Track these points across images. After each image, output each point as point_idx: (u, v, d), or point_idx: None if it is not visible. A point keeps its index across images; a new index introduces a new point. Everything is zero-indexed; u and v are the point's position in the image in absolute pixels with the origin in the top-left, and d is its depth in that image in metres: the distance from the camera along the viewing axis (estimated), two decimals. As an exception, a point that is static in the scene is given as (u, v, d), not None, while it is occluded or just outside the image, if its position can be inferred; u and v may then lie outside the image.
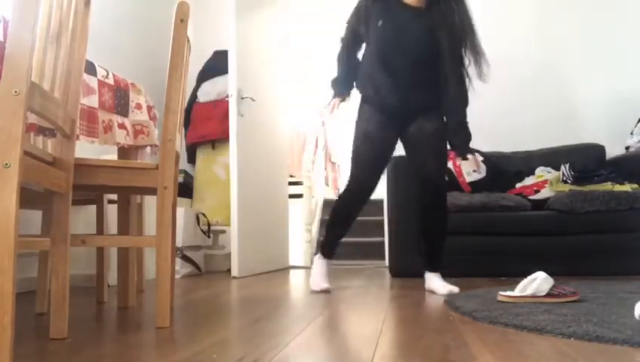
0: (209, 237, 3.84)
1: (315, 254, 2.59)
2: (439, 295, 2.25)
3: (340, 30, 2.62)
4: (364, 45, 2.53)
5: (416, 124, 2.42)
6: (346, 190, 2.47)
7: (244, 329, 1.50)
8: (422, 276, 2.97)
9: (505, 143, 3.80)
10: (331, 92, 2.59)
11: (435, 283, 2.36)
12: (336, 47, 2.60)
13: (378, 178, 2.47)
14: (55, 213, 1.45)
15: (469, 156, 2.47)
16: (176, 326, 1.56)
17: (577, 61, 3.89)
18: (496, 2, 4.01)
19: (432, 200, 2.42)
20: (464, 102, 2.50)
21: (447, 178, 3.31)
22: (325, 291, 2.41)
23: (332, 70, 2.62)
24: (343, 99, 2.56)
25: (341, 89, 2.55)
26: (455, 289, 2.28)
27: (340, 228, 2.51)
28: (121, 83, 2.10)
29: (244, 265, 3.33)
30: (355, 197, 2.45)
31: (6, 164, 1.06)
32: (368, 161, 2.42)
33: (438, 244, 2.46)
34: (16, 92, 1.09)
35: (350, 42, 2.54)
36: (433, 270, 2.43)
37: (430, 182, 2.40)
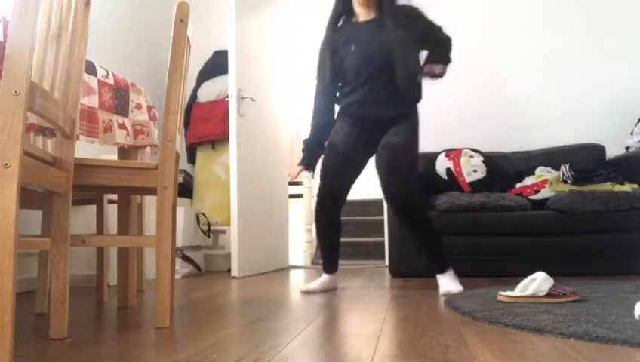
0: (209, 237, 3.84)
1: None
2: (441, 295, 2.26)
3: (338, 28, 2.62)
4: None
5: (385, 137, 2.43)
6: (317, 203, 2.54)
7: (244, 329, 1.50)
8: (422, 276, 2.98)
9: (505, 143, 3.80)
10: (302, 156, 2.59)
11: (441, 283, 2.37)
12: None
13: (347, 188, 2.54)
14: (55, 213, 1.45)
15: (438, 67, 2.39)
16: (176, 326, 1.56)
17: (577, 61, 3.89)
18: (498, 3, 4.01)
19: (401, 215, 2.42)
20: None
21: (445, 178, 3.34)
22: (310, 292, 2.43)
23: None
24: (308, 170, 2.59)
25: (309, 159, 2.57)
26: (455, 289, 2.28)
27: (328, 241, 2.55)
28: (121, 83, 2.10)
29: (244, 265, 3.33)
30: (325, 210, 2.51)
31: (6, 164, 1.06)
32: (334, 172, 2.48)
33: (430, 251, 2.44)
34: (16, 92, 1.09)
35: (327, 88, 2.55)
36: (439, 272, 2.43)
37: (391, 197, 2.41)
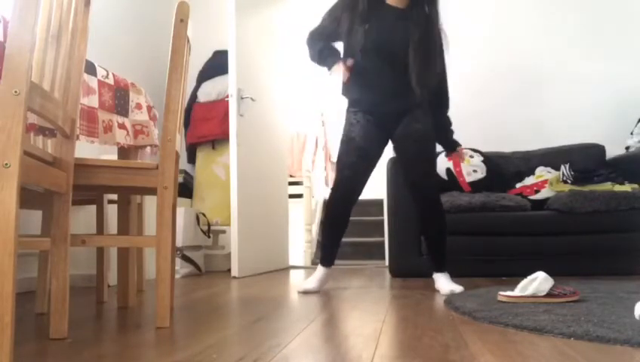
0: (209, 237, 3.84)
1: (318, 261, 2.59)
2: (442, 294, 2.26)
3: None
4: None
5: (403, 124, 2.41)
6: (331, 194, 2.50)
7: (244, 329, 1.50)
8: (422, 276, 2.98)
9: (505, 143, 3.80)
10: (324, 66, 2.46)
11: (440, 283, 2.38)
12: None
13: (363, 182, 2.49)
14: (55, 213, 1.45)
15: (461, 150, 2.54)
16: (176, 326, 1.56)
17: (577, 61, 3.89)
18: (498, 3, 4.01)
19: (423, 204, 2.42)
20: (447, 99, 2.53)
21: (445, 178, 3.34)
22: (308, 292, 2.42)
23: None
24: (345, 62, 2.40)
25: (333, 59, 2.43)
26: (457, 288, 2.29)
27: (334, 232, 2.53)
28: (121, 83, 2.10)
29: (244, 265, 3.33)
30: (339, 201, 2.48)
31: (6, 164, 1.06)
32: (352, 164, 2.43)
33: (437, 246, 2.46)
34: (16, 92, 1.09)
35: (326, 32, 2.47)
36: (438, 270, 2.44)
37: (419, 185, 2.41)
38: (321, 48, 2.49)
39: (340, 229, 2.53)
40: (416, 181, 2.41)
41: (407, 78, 2.34)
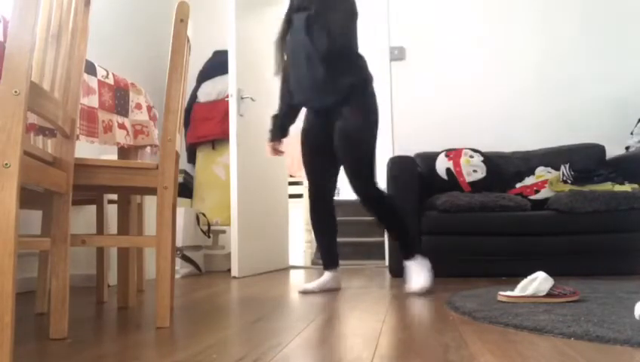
0: (209, 237, 3.84)
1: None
2: (411, 291, 2.27)
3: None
4: None
5: (339, 118, 2.39)
6: (309, 200, 2.57)
7: (244, 329, 1.50)
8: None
9: (505, 143, 3.80)
10: (271, 132, 2.62)
11: (410, 272, 2.36)
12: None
13: (329, 180, 2.54)
14: (55, 213, 1.45)
15: None
16: (176, 326, 1.56)
17: (577, 61, 3.89)
18: (498, 3, 4.01)
19: (363, 204, 2.41)
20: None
21: (445, 178, 3.34)
22: (306, 292, 2.42)
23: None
24: (279, 139, 2.60)
25: (276, 134, 2.59)
26: (423, 282, 2.26)
27: (323, 236, 2.55)
28: (121, 83, 2.10)
29: (244, 265, 3.33)
30: (314, 203, 2.54)
31: (6, 164, 1.06)
32: (310, 163, 2.52)
33: (395, 232, 2.42)
34: (16, 92, 1.09)
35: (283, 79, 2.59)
36: (406, 258, 2.41)
37: (350, 184, 2.40)
38: (283, 114, 2.60)
39: (327, 231, 2.54)
40: (348, 173, 2.38)
41: (317, 76, 2.37)
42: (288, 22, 2.51)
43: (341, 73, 2.37)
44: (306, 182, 4.60)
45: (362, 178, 2.36)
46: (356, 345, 1.27)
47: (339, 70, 2.37)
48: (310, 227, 4.46)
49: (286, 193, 4.20)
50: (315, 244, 4.58)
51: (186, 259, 3.49)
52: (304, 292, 2.41)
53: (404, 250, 2.41)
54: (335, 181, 2.57)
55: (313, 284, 2.47)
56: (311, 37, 2.35)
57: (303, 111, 2.63)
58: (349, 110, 2.36)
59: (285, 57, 2.52)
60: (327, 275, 2.52)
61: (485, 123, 3.93)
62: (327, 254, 2.55)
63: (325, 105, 2.42)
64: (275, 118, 2.62)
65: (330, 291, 2.47)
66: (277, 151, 2.62)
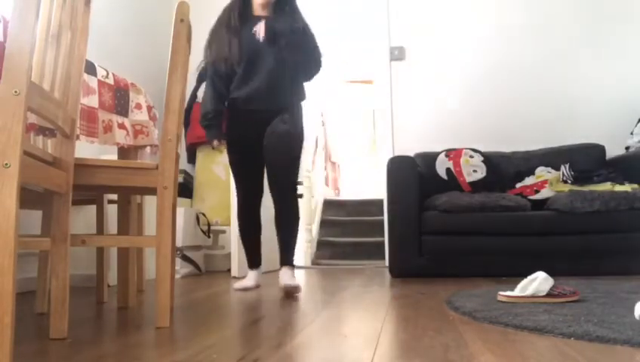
0: (209, 237, 3.84)
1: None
2: (283, 286, 2.34)
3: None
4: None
5: (270, 126, 2.53)
6: (238, 204, 2.67)
7: (244, 329, 1.50)
8: (422, 276, 2.98)
9: (505, 143, 3.80)
10: (206, 131, 2.66)
11: (287, 276, 2.44)
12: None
13: (259, 184, 2.64)
14: (55, 213, 1.45)
15: None
16: (176, 326, 1.56)
17: (577, 61, 3.89)
18: (497, 3, 4.02)
19: (283, 203, 2.53)
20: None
21: (445, 178, 3.34)
22: (247, 289, 2.56)
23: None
24: (219, 140, 2.62)
25: (215, 133, 2.62)
26: (295, 283, 2.35)
27: (250, 238, 2.67)
28: (121, 83, 2.10)
29: (244, 265, 3.32)
30: (247, 208, 2.64)
31: (6, 164, 1.06)
32: (242, 171, 2.62)
33: (292, 241, 2.58)
34: (16, 92, 1.09)
35: (220, 68, 2.58)
36: (288, 263, 2.53)
37: (275, 188, 2.52)
38: (212, 110, 2.62)
39: (254, 232, 2.67)
40: (272, 183, 2.53)
41: (276, 81, 2.52)
42: (235, 26, 2.58)
43: (293, 85, 2.59)
44: (306, 183, 4.60)
45: (293, 176, 2.56)
46: (356, 345, 1.27)
47: (293, 81, 2.58)
48: (310, 227, 4.47)
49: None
50: (314, 244, 4.58)
51: (186, 259, 3.49)
52: (243, 290, 2.54)
53: (289, 255, 2.56)
54: (262, 184, 2.67)
55: (250, 281, 2.60)
56: (279, 48, 2.51)
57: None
58: (290, 117, 2.55)
59: (242, 45, 2.53)
60: (254, 273, 2.66)
61: (485, 123, 3.93)
62: (254, 255, 2.69)
63: (273, 108, 2.54)
64: (212, 119, 2.63)
65: (329, 290, 2.51)
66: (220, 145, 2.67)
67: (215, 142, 2.62)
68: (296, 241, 2.62)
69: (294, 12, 2.60)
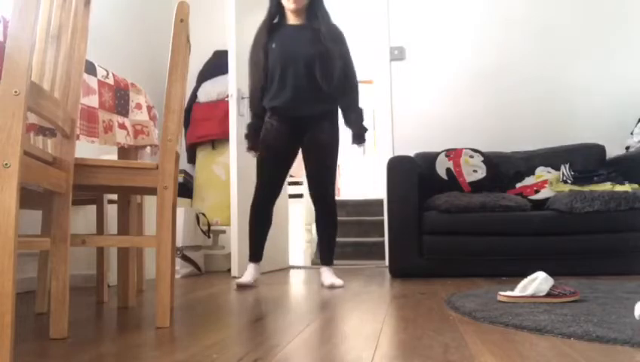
0: (209, 237, 3.84)
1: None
2: (325, 286, 2.60)
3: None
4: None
5: (310, 133, 2.69)
6: (253, 199, 2.75)
7: (244, 329, 1.50)
8: (422, 276, 2.99)
9: (505, 143, 3.80)
10: (247, 140, 2.84)
11: (324, 275, 2.70)
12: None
13: (280, 186, 2.77)
14: (55, 213, 1.45)
15: (361, 145, 2.78)
16: (176, 326, 1.56)
17: (577, 61, 3.89)
18: (497, 3, 4.02)
19: (322, 209, 2.73)
20: (356, 92, 2.80)
21: (445, 178, 3.34)
22: (247, 286, 2.65)
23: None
24: (256, 150, 2.79)
25: (254, 142, 2.78)
26: (339, 282, 2.59)
27: (260, 231, 2.77)
28: (121, 83, 2.10)
29: (244, 265, 3.32)
30: (262, 204, 2.73)
31: (6, 164, 1.06)
32: (271, 170, 2.71)
33: (332, 243, 2.79)
34: (16, 92, 1.09)
35: (259, 85, 2.74)
36: (328, 263, 2.78)
37: (320, 191, 2.71)
38: (253, 123, 2.81)
39: (265, 227, 2.78)
40: (316, 187, 2.71)
41: (313, 86, 2.63)
42: (270, 30, 2.74)
43: (329, 96, 2.69)
44: (306, 182, 4.60)
45: (331, 184, 2.73)
46: (356, 345, 1.27)
47: (329, 94, 2.68)
48: (310, 227, 4.47)
49: (286, 193, 4.20)
50: (314, 244, 4.58)
51: (186, 259, 3.49)
52: (242, 286, 2.63)
53: (329, 256, 2.79)
54: (282, 186, 2.82)
55: (249, 277, 2.68)
56: (318, 54, 2.62)
57: None
58: (328, 125, 2.70)
59: (273, 67, 2.67)
60: (254, 267, 2.75)
61: (485, 123, 3.93)
62: (259, 248, 2.78)
63: (310, 115, 2.66)
64: (251, 125, 2.81)
65: (329, 290, 2.52)
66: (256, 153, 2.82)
67: (253, 153, 2.78)
68: (334, 241, 2.81)
69: (326, 16, 2.73)
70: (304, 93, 2.63)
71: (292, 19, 2.74)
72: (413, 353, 1.16)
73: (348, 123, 2.76)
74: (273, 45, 2.68)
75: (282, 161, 2.73)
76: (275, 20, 2.77)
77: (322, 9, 2.73)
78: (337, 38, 2.71)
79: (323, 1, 2.77)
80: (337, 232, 2.82)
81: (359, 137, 2.74)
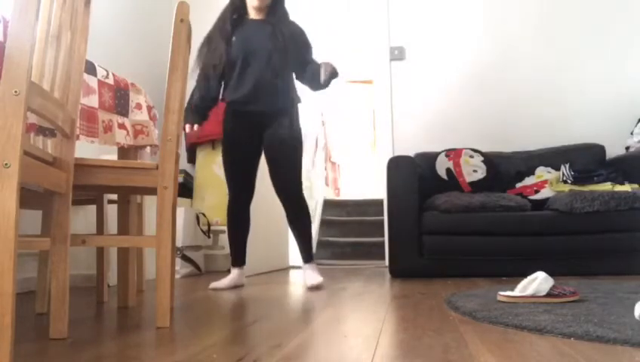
0: (209, 237, 3.84)
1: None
2: (308, 285, 2.55)
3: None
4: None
5: (270, 130, 2.63)
6: (227, 203, 2.71)
7: (244, 329, 1.50)
8: (422, 276, 2.99)
9: (505, 143, 3.80)
10: (186, 120, 2.66)
11: (307, 273, 2.65)
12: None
13: (251, 188, 2.71)
14: (55, 213, 1.45)
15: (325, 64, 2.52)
16: (176, 326, 1.56)
17: (577, 61, 3.89)
18: (497, 3, 4.02)
19: (290, 207, 2.67)
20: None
21: (445, 178, 3.34)
22: (216, 289, 2.59)
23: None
24: (197, 124, 2.63)
25: (194, 118, 2.63)
26: (317, 281, 2.53)
27: (238, 235, 2.73)
28: (121, 83, 2.10)
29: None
30: (234, 209, 2.70)
31: (6, 164, 1.06)
32: (237, 172, 2.66)
33: (306, 239, 2.72)
34: (16, 92, 1.09)
35: (210, 73, 2.66)
36: (307, 261, 2.71)
37: (284, 190, 2.65)
38: (202, 108, 2.68)
39: (244, 231, 2.75)
40: (281, 186, 2.65)
41: (272, 82, 2.59)
42: (233, 22, 2.68)
43: (289, 88, 2.67)
44: (305, 183, 4.60)
45: (297, 180, 2.67)
46: (356, 345, 1.27)
47: (288, 84, 2.67)
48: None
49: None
50: (314, 244, 4.58)
51: (186, 259, 3.49)
52: (214, 289, 2.58)
53: (307, 253, 2.72)
54: (254, 185, 2.75)
55: (225, 281, 2.64)
56: (275, 46, 2.59)
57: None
58: (289, 122, 2.64)
59: (231, 60, 2.61)
60: (236, 272, 2.70)
61: (485, 123, 3.93)
62: (241, 252, 2.74)
63: (269, 110, 2.61)
64: (197, 107, 2.67)
65: (237, 287, 2.65)
66: (193, 133, 2.67)
67: (188, 127, 2.60)
68: (310, 237, 2.73)
69: (285, 15, 2.72)
70: (264, 87, 2.58)
71: (253, 15, 2.70)
72: (413, 353, 1.16)
73: (314, 73, 2.59)
74: (234, 38, 2.63)
75: (247, 161, 2.67)
76: (235, 16, 2.71)
77: (282, 8, 2.72)
78: (295, 33, 2.68)
79: (284, 1, 2.74)
80: (311, 225, 2.75)
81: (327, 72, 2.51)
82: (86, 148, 2.78)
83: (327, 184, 6.28)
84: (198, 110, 2.65)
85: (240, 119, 2.65)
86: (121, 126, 2.07)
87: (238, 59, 2.60)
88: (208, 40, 2.70)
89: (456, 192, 3.20)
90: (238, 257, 2.74)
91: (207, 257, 3.85)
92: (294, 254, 4.36)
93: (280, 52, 2.58)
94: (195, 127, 2.61)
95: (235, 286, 2.67)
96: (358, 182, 7.58)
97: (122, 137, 2.06)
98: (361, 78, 7.35)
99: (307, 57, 2.69)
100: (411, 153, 3.66)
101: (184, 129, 2.62)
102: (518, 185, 3.33)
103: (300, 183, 2.69)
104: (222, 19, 2.71)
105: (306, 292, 2.43)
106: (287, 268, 4.01)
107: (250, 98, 2.59)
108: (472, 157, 3.40)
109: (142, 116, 2.18)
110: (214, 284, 2.63)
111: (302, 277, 2.63)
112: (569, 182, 3.21)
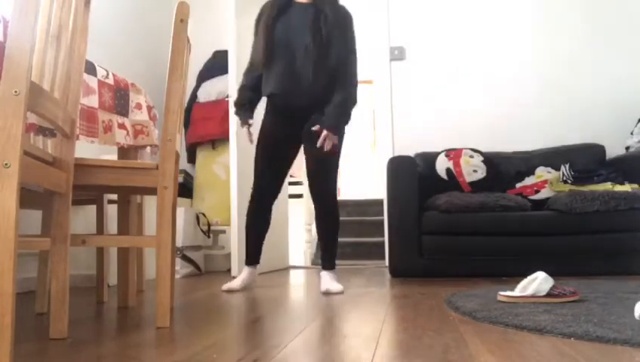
0: (209, 237, 3.84)
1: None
2: (322, 291, 2.40)
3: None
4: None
5: (310, 122, 2.48)
6: (250, 198, 2.60)
7: (244, 329, 1.50)
8: (422, 276, 2.98)
9: (505, 143, 3.80)
10: (239, 117, 2.61)
11: (325, 279, 2.50)
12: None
13: (279, 185, 2.59)
14: (55, 213, 1.45)
15: (323, 134, 2.41)
16: (176, 326, 1.56)
17: (577, 61, 3.89)
18: (497, 3, 4.01)
19: (321, 208, 2.52)
20: (345, 84, 2.49)
21: (445, 178, 3.34)
22: (231, 291, 2.50)
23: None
24: (249, 125, 2.56)
25: (242, 116, 2.58)
26: (335, 289, 2.37)
27: (257, 233, 2.62)
28: (121, 83, 2.10)
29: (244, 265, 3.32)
30: (257, 205, 2.58)
31: (6, 164, 1.06)
32: (267, 167, 2.55)
33: (333, 245, 2.58)
34: (16, 92, 1.09)
35: (255, 67, 2.59)
36: (329, 268, 2.56)
37: (318, 190, 2.50)
38: (244, 102, 2.61)
39: (263, 229, 2.64)
40: (315, 184, 2.51)
41: (313, 72, 2.41)
42: (280, 9, 2.52)
43: (328, 81, 2.45)
44: (306, 183, 4.60)
45: (332, 180, 2.52)
46: (356, 345, 1.27)
47: (327, 77, 2.45)
48: (310, 227, 4.47)
49: (286, 193, 4.20)
50: (315, 244, 4.58)
51: (186, 259, 3.49)
52: (228, 291, 2.50)
53: (329, 261, 2.57)
54: (282, 185, 2.63)
55: (237, 282, 2.55)
56: (314, 39, 2.42)
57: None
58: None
59: (269, 44, 2.48)
60: (248, 271, 2.62)
61: (485, 123, 3.93)
62: (256, 250, 2.64)
63: (308, 105, 2.47)
64: (243, 105, 2.60)
65: (249, 288, 2.58)
66: (249, 135, 2.60)
67: (245, 129, 2.56)
68: (336, 245, 2.61)
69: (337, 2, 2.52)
70: (302, 81, 2.43)
71: None
72: (413, 353, 1.15)
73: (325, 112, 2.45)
74: (278, 24, 2.48)
75: (281, 157, 2.56)
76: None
77: None
78: (341, 23, 2.48)
79: None
80: (338, 233, 2.61)
81: (331, 123, 2.41)
82: (86, 148, 2.78)
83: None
84: (242, 106, 2.59)
85: (277, 114, 2.54)
86: (121, 126, 2.07)
87: (277, 50, 2.46)
88: (257, 21, 2.59)
89: (456, 192, 3.20)
90: (253, 255, 2.62)
91: (207, 257, 3.85)
92: (294, 254, 4.38)
93: (319, 47, 2.40)
94: (250, 122, 2.53)
95: (246, 288, 2.58)
96: (358, 182, 7.58)
97: (122, 137, 2.06)
98: (361, 77, 7.34)
99: (337, 76, 2.46)
100: (411, 153, 3.66)
101: (242, 126, 2.57)
102: (518, 185, 3.33)
103: (335, 184, 2.55)
104: (266, 4, 2.58)
105: (306, 293, 2.43)
106: (287, 268, 4.01)
107: (288, 93, 2.46)
108: (472, 157, 3.40)
109: (142, 116, 2.18)
110: (227, 286, 2.53)
111: (318, 283, 2.49)
112: (569, 182, 3.21)
